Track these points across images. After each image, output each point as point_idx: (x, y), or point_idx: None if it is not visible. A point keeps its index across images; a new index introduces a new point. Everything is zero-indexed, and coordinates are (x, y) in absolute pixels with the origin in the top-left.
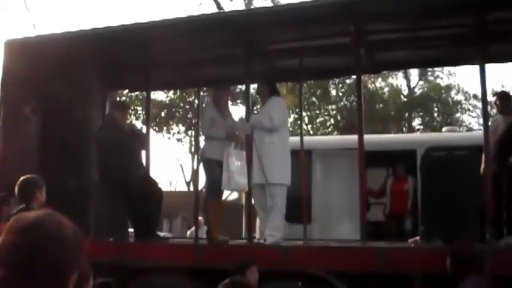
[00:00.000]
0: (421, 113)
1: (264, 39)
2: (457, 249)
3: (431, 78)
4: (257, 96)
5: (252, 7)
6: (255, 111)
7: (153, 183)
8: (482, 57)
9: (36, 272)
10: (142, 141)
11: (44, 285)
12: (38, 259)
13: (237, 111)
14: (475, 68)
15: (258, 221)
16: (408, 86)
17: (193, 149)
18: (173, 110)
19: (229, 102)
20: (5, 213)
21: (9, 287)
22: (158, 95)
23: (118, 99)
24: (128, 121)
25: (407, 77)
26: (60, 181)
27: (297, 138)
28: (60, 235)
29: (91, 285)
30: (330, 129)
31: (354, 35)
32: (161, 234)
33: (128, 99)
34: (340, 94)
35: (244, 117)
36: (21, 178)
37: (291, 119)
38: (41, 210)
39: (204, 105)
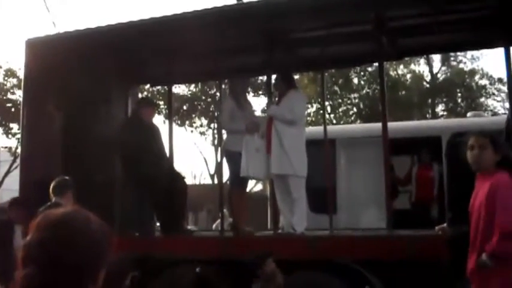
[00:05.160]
0: (444, 99)
1: (284, 28)
2: (456, 236)
3: (454, 63)
4: (275, 88)
5: None
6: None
7: (177, 177)
8: (507, 39)
9: (65, 267)
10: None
11: (74, 280)
12: (66, 255)
13: (259, 102)
14: (499, 52)
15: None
16: (431, 72)
17: (216, 141)
18: (195, 103)
19: (249, 94)
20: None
21: (38, 283)
22: (180, 89)
23: (141, 95)
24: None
25: (429, 63)
26: (85, 177)
27: (320, 128)
28: (88, 231)
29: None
30: (352, 118)
31: (375, 22)
32: (188, 227)
33: (149, 94)
34: (362, 82)
35: (265, 108)
36: (60, 177)
37: (313, 109)
38: (67, 207)
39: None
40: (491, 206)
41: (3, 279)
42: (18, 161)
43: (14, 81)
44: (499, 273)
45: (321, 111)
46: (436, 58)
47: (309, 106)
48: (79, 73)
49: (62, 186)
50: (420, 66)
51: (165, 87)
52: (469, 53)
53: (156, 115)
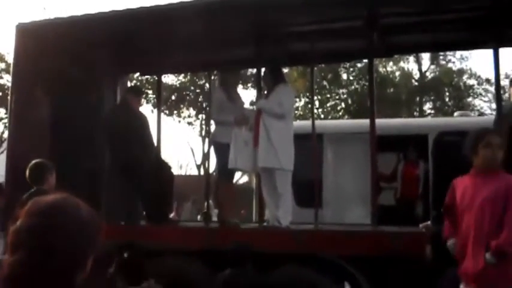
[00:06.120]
0: (432, 98)
1: (275, 22)
2: (440, 234)
3: (443, 62)
4: (264, 82)
5: None
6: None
7: (164, 166)
8: (496, 41)
9: (55, 253)
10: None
11: (63, 266)
12: (57, 241)
13: (247, 95)
14: (488, 52)
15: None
16: (420, 70)
17: (203, 132)
18: (184, 93)
19: (239, 86)
20: None
21: (29, 268)
22: (169, 79)
23: (130, 83)
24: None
25: (418, 61)
26: (72, 164)
27: (308, 122)
28: (78, 217)
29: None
30: (340, 113)
31: (366, 19)
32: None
33: (138, 83)
34: (351, 78)
35: (254, 101)
36: (33, 162)
37: (301, 103)
38: (57, 194)
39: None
40: (499, 205)
41: None
42: (4, 145)
43: (3, 65)
44: (507, 272)
45: (309, 106)
46: (425, 56)
47: (298, 100)
48: (69, 59)
49: (39, 173)
50: (409, 64)
51: (155, 76)
52: (458, 53)
53: (145, 104)
